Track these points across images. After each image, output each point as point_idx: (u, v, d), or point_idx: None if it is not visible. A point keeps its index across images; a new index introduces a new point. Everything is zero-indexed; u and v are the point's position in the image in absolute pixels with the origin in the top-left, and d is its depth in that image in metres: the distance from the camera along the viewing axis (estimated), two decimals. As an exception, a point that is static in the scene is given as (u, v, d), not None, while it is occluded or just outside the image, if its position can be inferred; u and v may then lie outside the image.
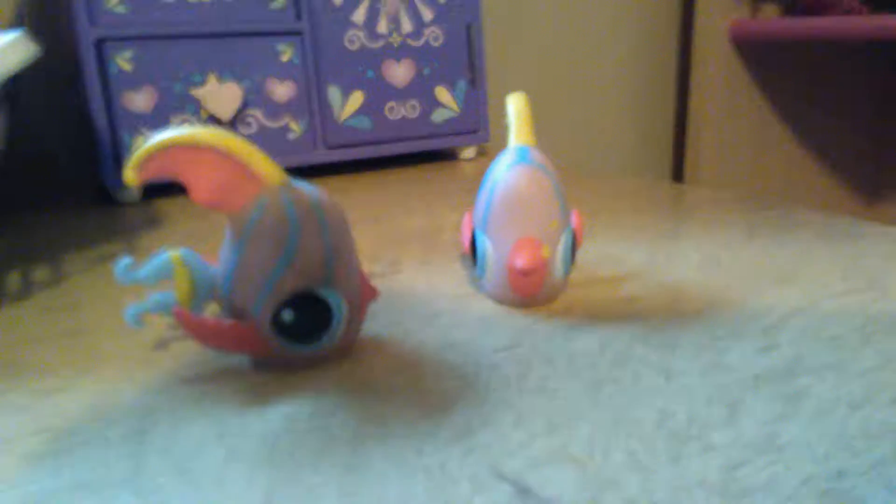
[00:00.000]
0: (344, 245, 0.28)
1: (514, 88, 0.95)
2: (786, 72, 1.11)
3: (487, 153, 0.82)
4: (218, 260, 0.29)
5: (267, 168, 0.27)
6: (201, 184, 0.27)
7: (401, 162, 0.78)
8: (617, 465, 0.22)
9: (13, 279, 0.44)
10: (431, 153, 0.81)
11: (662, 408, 0.25)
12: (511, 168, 0.33)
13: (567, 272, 0.34)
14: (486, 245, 0.33)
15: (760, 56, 1.07)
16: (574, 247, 0.34)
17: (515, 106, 0.35)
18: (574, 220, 0.35)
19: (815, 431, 0.23)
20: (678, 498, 0.20)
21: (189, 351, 0.31)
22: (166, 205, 0.64)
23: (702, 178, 1.06)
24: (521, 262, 0.31)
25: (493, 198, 0.33)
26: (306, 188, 0.28)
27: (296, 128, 0.65)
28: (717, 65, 1.03)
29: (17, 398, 0.28)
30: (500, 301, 0.34)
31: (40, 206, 0.69)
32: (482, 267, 0.34)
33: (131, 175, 0.26)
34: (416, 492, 0.21)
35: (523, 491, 0.21)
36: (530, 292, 0.33)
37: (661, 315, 0.33)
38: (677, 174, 1.14)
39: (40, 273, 0.46)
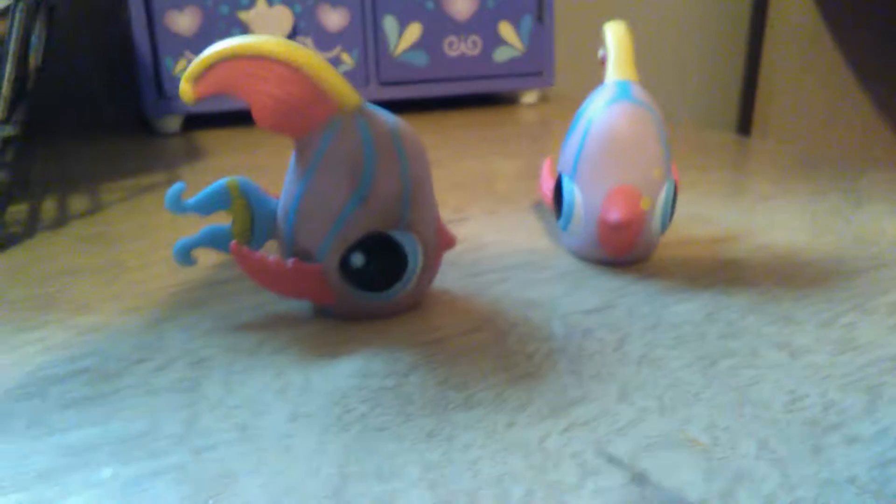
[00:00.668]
0: (423, 181, 0.25)
1: (580, 29, 0.89)
2: (866, 28, 1.03)
3: (550, 100, 0.77)
4: (280, 192, 0.26)
5: (341, 88, 0.23)
6: (265, 102, 0.24)
7: (456, 104, 0.74)
8: (747, 453, 0.19)
9: (49, 207, 0.42)
10: (490, 96, 0.77)
11: (791, 389, 0.21)
12: (610, 105, 0.29)
13: (664, 229, 0.30)
14: (574, 194, 0.29)
15: (841, 10, 0.99)
16: (674, 201, 0.30)
17: (615, 35, 0.31)
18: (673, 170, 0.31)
19: (982, 429, 0.20)
20: (826, 496, 0.17)
21: (243, 293, 0.28)
22: (208, 136, 0.61)
23: (770, 132, 1.00)
24: (615, 214, 0.28)
25: (586, 139, 0.29)
26: (383, 114, 0.24)
27: (348, 60, 0.60)
28: (795, 16, 0.96)
29: (54, 334, 0.25)
30: (585, 257, 0.31)
31: (76, 133, 0.67)
32: (567, 218, 0.30)
33: (187, 88, 0.23)
34: (513, 470, 0.18)
35: (639, 478, 0.18)
36: (623, 249, 0.29)
37: (771, 283, 0.29)
38: (743, 126, 1.08)
39: (76, 201, 0.43)
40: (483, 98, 0.78)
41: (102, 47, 0.72)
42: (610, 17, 0.34)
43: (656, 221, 0.29)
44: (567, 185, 0.29)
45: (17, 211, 0.41)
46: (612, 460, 0.18)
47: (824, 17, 0.99)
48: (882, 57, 1.07)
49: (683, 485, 0.17)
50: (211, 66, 0.23)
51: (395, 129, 0.24)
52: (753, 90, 1.06)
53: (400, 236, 0.24)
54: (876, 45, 1.06)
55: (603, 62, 0.32)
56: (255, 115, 0.24)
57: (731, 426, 0.20)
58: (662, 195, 0.29)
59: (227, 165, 0.51)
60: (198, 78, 0.23)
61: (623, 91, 0.29)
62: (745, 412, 0.20)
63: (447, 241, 0.27)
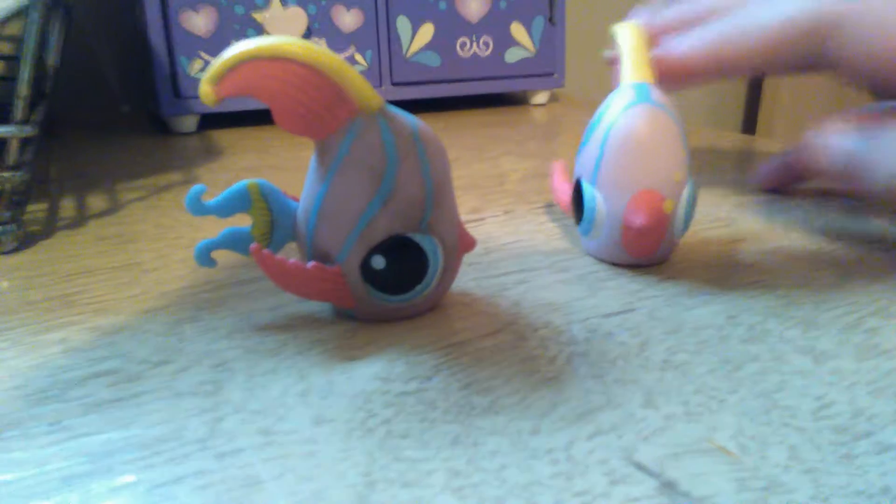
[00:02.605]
0: (444, 184, 0.25)
1: (590, 31, 0.89)
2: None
3: (560, 100, 0.77)
4: (299, 194, 0.26)
5: (363, 90, 0.23)
6: (286, 104, 0.23)
7: (467, 104, 0.74)
8: (778, 462, 0.18)
9: (67, 206, 0.42)
10: (501, 96, 0.77)
11: (818, 395, 0.21)
12: (630, 109, 0.28)
13: (685, 231, 0.30)
14: (595, 198, 0.29)
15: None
16: (695, 203, 0.30)
17: (628, 37, 0.31)
18: (693, 172, 0.31)
19: None
20: (860, 509, 0.17)
21: (263, 294, 0.28)
22: (224, 136, 0.61)
23: (774, 133, 1.00)
24: (640, 218, 0.27)
25: (606, 144, 0.28)
26: (404, 115, 0.24)
27: (361, 61, 0.60)
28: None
29: (76, 336, 0.25)
30: (606, 259, 0.31)
31: (92, 132, 0.67)
32: (589, 223, 0.30)
33: (208, 90, 0.23)
34: (541, 478, 0.18)
35: (669, 487, 0.18)
36: (645, 252, 0.29)
37: (791, 285, 0.29)
38: (748, 126, 1.08)
39: (94, 201, 0.43)
40: (494, 98, 0.77)
41: (118, 47, 0.72)
42: (619, 20, 0.33)
43: (678, 223, 0.29)
44: (588, 190, 0.29)
45: (36, 210, 0.41)
46: (641, 468, 0.18)
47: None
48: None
49: (714, 494, 0.17)
50: (232, 68, 0.22)
51: (416, 130, 0.24)
52: (759, 90, 1.06)
53: (421, 239, 0.24)
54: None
55: (611, 63, 0.32)
56: (276, 117, 0.24)
57: (759, 434, 0.19)
58: (684, 197, 0.28)
59: (242, 164, 0.51)
60: (219, 80, 0.23)
61: (642, 94, 0.28)
62: (772, 419, 0.20)
63: (467, 244, 0.27)
